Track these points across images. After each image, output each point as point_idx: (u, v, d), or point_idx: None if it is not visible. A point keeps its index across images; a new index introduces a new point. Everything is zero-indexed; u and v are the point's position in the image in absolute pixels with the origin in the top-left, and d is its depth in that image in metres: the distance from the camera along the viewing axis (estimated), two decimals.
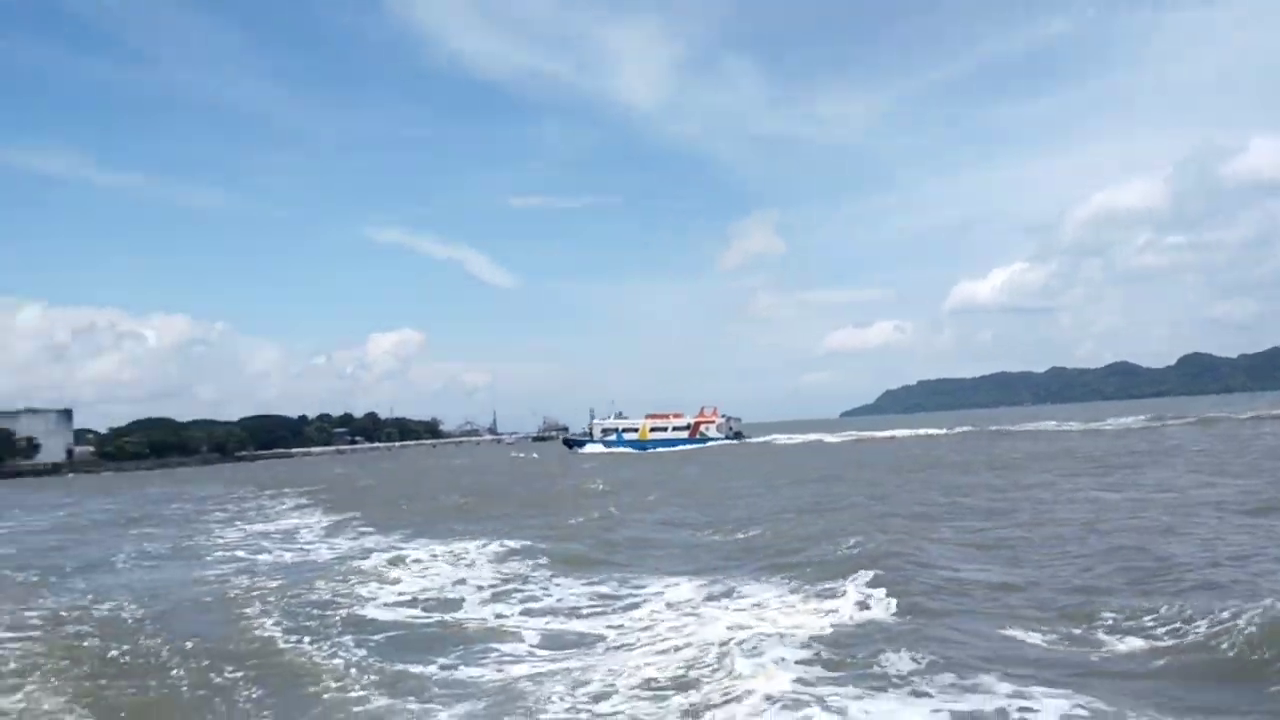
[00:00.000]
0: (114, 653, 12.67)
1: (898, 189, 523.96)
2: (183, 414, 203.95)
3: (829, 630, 11.86)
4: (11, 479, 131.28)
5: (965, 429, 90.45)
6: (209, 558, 25.06)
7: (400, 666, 11.85)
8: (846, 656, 10.31)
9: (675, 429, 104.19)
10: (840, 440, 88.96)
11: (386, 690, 10.79)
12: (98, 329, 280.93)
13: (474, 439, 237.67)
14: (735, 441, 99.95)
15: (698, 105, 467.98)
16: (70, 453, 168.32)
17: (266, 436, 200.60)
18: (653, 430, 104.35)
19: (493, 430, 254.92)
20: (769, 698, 8.92)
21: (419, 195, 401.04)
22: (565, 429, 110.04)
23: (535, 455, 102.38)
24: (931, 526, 21.10)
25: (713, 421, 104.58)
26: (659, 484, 43.20)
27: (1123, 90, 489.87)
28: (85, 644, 13.34)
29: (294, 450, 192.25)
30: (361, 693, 10.67)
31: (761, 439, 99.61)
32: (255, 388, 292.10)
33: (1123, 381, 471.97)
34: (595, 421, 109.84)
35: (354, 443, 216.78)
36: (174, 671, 11.81)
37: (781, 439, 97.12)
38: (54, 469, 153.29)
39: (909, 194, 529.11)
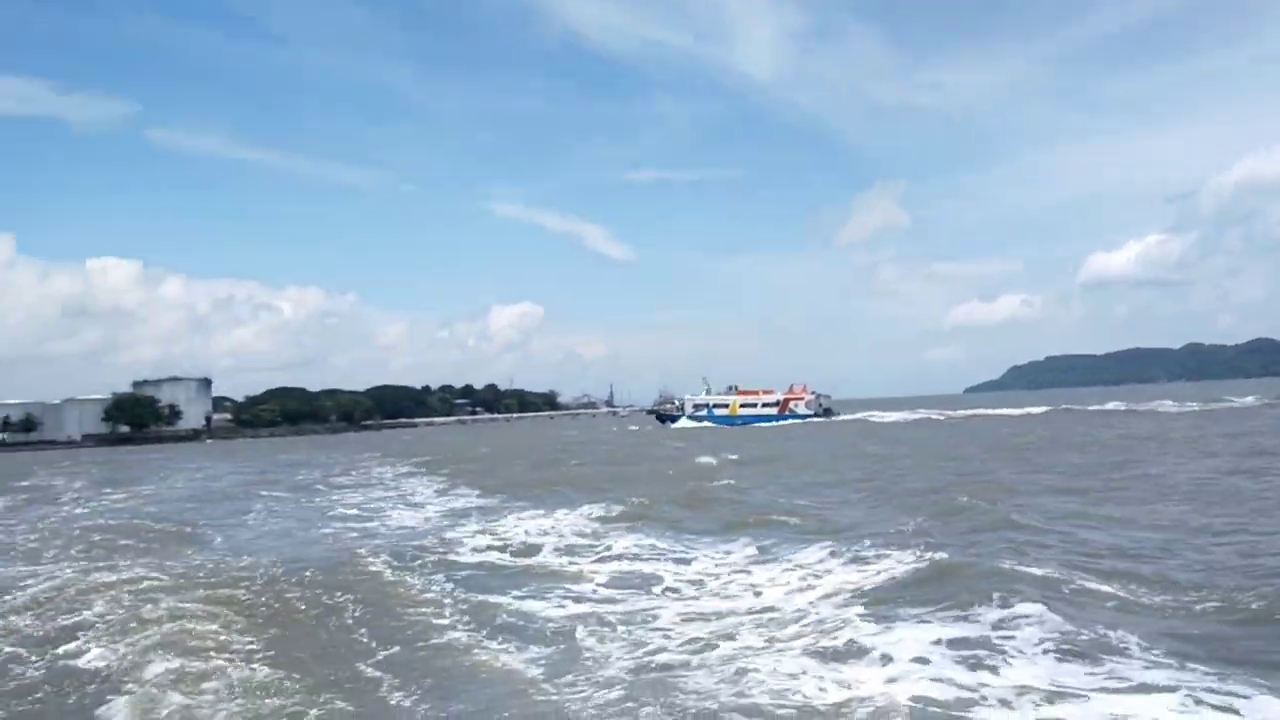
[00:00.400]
0: (249, 595, 15.12)
1: (1024, 159, 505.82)
2: (314, 383, 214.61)
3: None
4: (155, 444, 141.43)
5: (1057, 408, 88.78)
6: (331, 514, 27.97)
7: (481, 597, 14.09)
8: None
9: (765, 405, 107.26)
10: (943, 417, 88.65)
11: (469, 614, 13.07)
12: (236, 301, 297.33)
13: (590, 411, 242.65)
14: (823, 418, 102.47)
15: (818, 75, 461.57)
16: (209, 419, 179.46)
17: (392, 406, 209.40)
18: (742, 406, 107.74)
19: (609, 403, 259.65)
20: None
21: (539, 170, 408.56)
22: (681, 403, 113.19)
23: (633, 427, 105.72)
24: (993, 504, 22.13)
25: (801, 398, 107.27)
26: (741, 450, 44.74)
27: (1271, 53, 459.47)
28: (220, 592, 15.88)
29: (417, 420, 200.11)
30: (448, 618, 12.87)
31: (853, 416, 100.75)
32: (382, 358, 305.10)
33: (1265, 359, 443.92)
34: (686, 397, 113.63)
35: (474, 413, 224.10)
36: (297, 600, 14.20)
37: (874, 416, 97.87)
38: (194, 435, 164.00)
39: (1036, 164, 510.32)
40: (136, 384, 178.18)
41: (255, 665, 10.97)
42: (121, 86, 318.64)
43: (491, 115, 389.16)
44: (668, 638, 11.67)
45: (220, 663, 10.88)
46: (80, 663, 11.30)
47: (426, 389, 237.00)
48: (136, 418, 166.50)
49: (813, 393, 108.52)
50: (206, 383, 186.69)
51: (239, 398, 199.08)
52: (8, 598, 15.17)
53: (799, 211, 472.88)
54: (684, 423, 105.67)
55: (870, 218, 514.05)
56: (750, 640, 11.25)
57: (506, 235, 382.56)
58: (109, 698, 9.98)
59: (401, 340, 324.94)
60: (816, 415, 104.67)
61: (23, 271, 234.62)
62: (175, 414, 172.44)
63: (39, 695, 10.34)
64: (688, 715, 8.79)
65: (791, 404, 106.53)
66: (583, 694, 9.67)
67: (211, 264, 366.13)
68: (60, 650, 11.81)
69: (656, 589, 14.56)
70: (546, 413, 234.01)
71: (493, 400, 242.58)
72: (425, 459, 55.21)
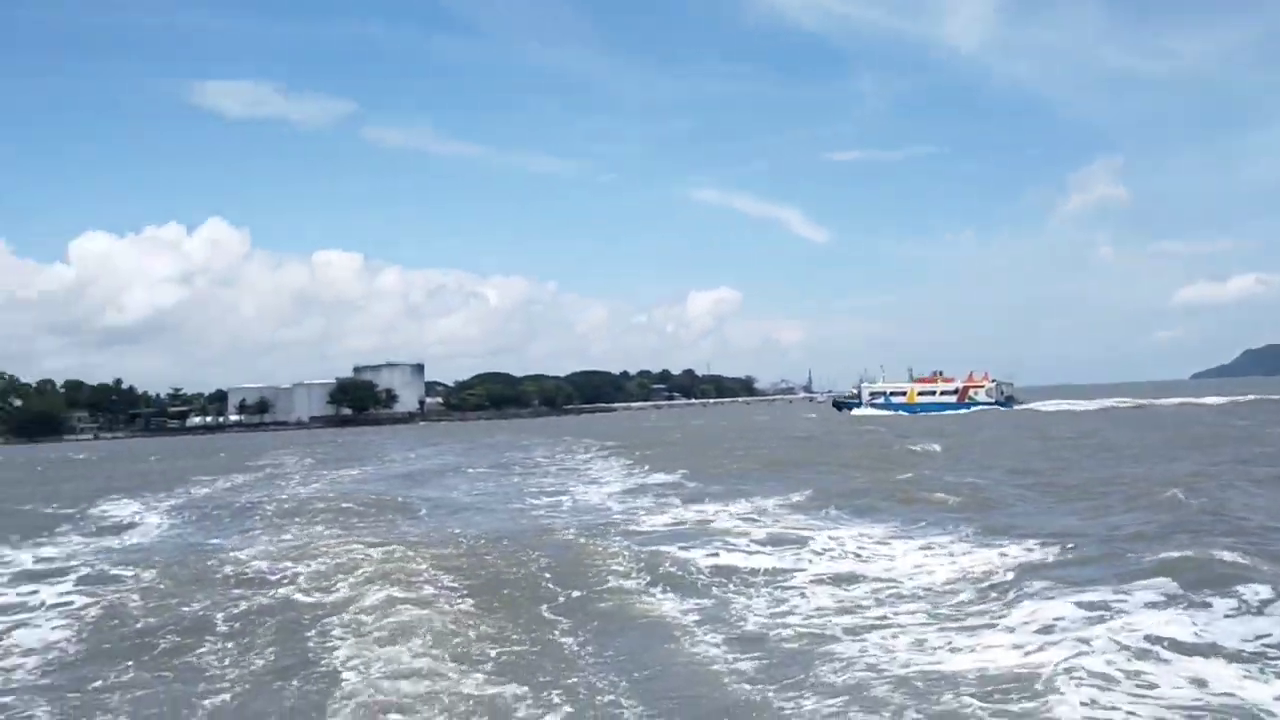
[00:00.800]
0: (453, 552, 17.63)
1: (1259, 129, 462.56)
2: (518, 369, 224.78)
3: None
4: (373, 425, 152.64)
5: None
6: (528, 490, 30.79)
7: (651, 553, 16.45)
8: None
9: (943, 393, 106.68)
10: (1143, 405, 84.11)
11: (640, 570, 15.28)
12: (447, 290, 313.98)
13: (787, 398, 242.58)
14: (1004, 407, 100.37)
15: (1029, 43, 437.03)
16: (422, 403, 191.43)
17: (591, 391, 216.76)
18: (920, 394, 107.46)
19: (807, 388, 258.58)
20: None
21: (736, 154, 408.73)
22: (858, 390, 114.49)
23: (811, 415, 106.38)
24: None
25: (981, 386, 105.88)
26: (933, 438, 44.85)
27: None
28: (429, 551, 18.49)
29: (615, 405, 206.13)
30: (621, 574, 15.03)
31: (1041, 405, 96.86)
32: (582, 344, 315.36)
33: None
34: (864, 385, 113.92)
35: (671, 398, 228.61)
36: (493, 558, 16.56)
37: (1048, 405, 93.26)
38: (408, 417, 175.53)
39: (1273, 134, 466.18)
40: (357, 369, 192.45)
41: (452, 604, 13.24)
42: (340, 87, 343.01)
43: (688, 101, 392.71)
44: (821, 611, 13.16)
45: (421, 608, 13.16)
46: (304, 598, 14.15)
47: (625, 374, 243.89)
48: (358, 401, 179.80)
49: (993, 380, 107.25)
50: (419, 368, 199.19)
51: (449, 382, 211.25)
52: (248, 551, 18.36)
53: (1010, 190, 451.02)
54: (861, 411, 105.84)
55: (1087, 194, 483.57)
56: (920, 616, 12.28)
57: (704, 221, 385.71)
58: (327, 622, 12.47)
59: (600, 326, 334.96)
60: (998, 403, 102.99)
61: (257, 264, 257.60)
62: (392, 397, 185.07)
63: (269, 622, 13.02)
64: (812, 672, 10.29)
65: (971, 392, 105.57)
66: (720, 646, 11.34)
67: (424, 255, 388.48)
68: (285, 590, 14.69)
69: (814, 556, 16.04)
70: (742, 398, 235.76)
71: (689, 386, 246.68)
72: (619, 443, 57.99)
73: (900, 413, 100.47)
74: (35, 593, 15.89)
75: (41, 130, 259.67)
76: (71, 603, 14.87)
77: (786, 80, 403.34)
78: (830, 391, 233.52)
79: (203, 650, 11.88)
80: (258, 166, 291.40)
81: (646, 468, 36.74)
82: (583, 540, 18.19)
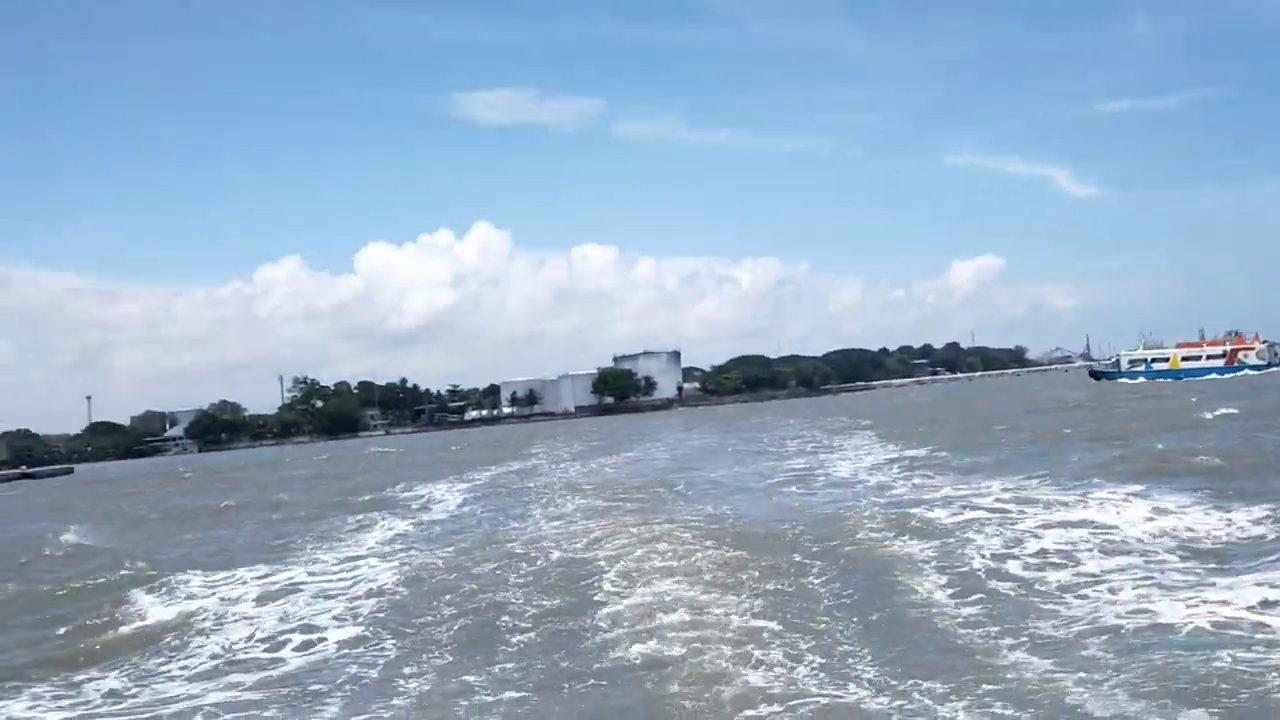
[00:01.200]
0: (718, 527, 19.99)
1: None
2: (773, 351, 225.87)
3: None
4: (634, 413, 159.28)
5: None
6: (785, 467, 32.84)
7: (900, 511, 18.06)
8: None
9: (1209, 357, 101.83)
10: None
11: (891, 527, 17.13)
12: (699, 276, 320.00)
13: (1062, 366, 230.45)
14: (1278, 369, 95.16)
15: None
16: (680, 389, 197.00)
17: (850, 370, 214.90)
18: (1184, 359, 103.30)
19: (1086, 355, 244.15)
20: None
21: (993, 114, 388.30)
22: (1116, 359, 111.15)
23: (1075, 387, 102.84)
24: None
25: (1252, 348, 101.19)
26: None
27: None
28: (700, 526, 20.94)
29: (875, 383, 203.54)
30: (874, 524, 17.08)
31: None
32: (837, 323, 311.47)
33: None
34: (1123, 353, 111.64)
35: (935, 373, 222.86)
36: (758, 533, 18.78)
37: None
38: (666, 404, 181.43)
39: None
40: (616, 359, 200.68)
41: (716, 559, 15.49)
42: (589, 87, 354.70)
43: (938, 64, 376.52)
44: (1050, 564, 14.46)
45: (686, 560, 15.49)
46: (582, 557, 16.81)
47: (884, 351, 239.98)
48: (619, 389, 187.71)
49: (1264, 341, 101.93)
50: (676, 355, 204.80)
51: (705, 367, 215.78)
52: (533, 521, 21.51)
53: None
54: (1122, 380, 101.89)
55: None
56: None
57: (961, 187, 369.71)
58: (604, 575, 15.00)
59: (856, 303, 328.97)
60: (1272, 365, 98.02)
61: (519, 263, 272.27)
62: (651, 385, 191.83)
63: (555, 574, 15.74)
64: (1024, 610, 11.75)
65: (1240, 355, 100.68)
66: (947, 590, 12.98)
67: (676, 243, 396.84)
68: (565, 552, 17.45)
69: (1054, 515, 17.12)
70: (1011, 370, 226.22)
71: (953, 359, 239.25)
72: (874, 420, 58.79)
73: (1163, 380, 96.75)
74: (373, 550, 20.01)
75: (325, 154, 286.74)
76: (398, 560, 18.59)
77: (1042, 31, 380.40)
78: (1109, 359, 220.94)
79: (504, 595, 14.72)
80: (516, 170, 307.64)
81: (900, 444, 37.74)
82: (833, 507, 20.06)
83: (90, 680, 12.33)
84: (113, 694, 11.67)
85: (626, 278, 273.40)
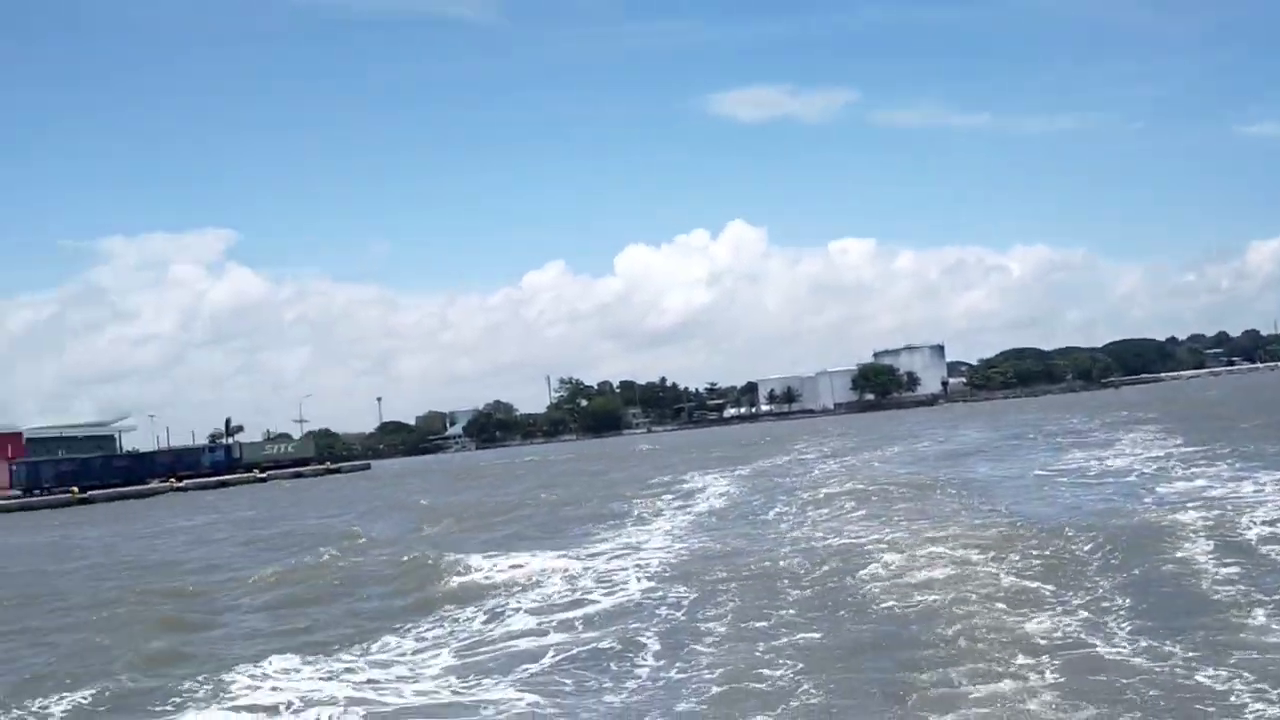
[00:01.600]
0: (991, 524, 21.20)
1: None
2: (1046, 342, 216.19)
3: None
4: (894, 409, 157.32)
5: None
6: (1053, 462, 33.17)
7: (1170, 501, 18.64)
8: None
9: None
10: None
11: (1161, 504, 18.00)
12: (964, 266, 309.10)
13: None
14: None
15: None
16: (945, 384, 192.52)
17: (1133, 361, 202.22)
18: None
19: None
20: None
21: None
22: None
23: None
24: None
25: None
26: None
27: None
28: (957, 527, 22.20)
29: (1162, 375, 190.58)
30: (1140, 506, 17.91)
31: None
32: (1117, 311, 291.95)
33: None
34: None
35: (1231, 364, 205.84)
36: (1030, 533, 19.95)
37: None
38: (931, 400, 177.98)
39: None
40: (877, 354, 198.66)
41: (991, 548, 16.88)
42: (842, 78, 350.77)
43: (1231, 25, 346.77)
44: None
45: (962, 551, 16.96)
46: (848, 548, 18.53)
47: (1172, 340, 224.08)
48: (879, 386, 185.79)
49: None
50: (939, 349, 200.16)
51: (972, 361, 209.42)
52: (797, 513, 23.39)
53: None
54: None
55: None
56: None
57: (1258, 158, 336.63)
58: (872, 567, 16.66)
59: (1138, 290, 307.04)
60: None
61: (776, 260, 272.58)
62: (913, 380, 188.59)
63: (825, 565, 17.51)
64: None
65: None
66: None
67: (938, 232, 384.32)
68: (833, 540, 19.21)
69: None
70: None
71: (1251, 348, 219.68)
72: (1156, 413, 56.39)
73: None
74: (661, 529, 22.89)
75: (585, 161, 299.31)
76: (683, 536, 21.22)
77: None
78: None
79: (783, 564, 16.78)
80: (770, 166, 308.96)
81: (1180, 439, 36.62)
82: (1106, 504, 20.84)
83: (451, 617, 15.47)
84: (474, 624, 14.76)
85: (886, 270, 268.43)
